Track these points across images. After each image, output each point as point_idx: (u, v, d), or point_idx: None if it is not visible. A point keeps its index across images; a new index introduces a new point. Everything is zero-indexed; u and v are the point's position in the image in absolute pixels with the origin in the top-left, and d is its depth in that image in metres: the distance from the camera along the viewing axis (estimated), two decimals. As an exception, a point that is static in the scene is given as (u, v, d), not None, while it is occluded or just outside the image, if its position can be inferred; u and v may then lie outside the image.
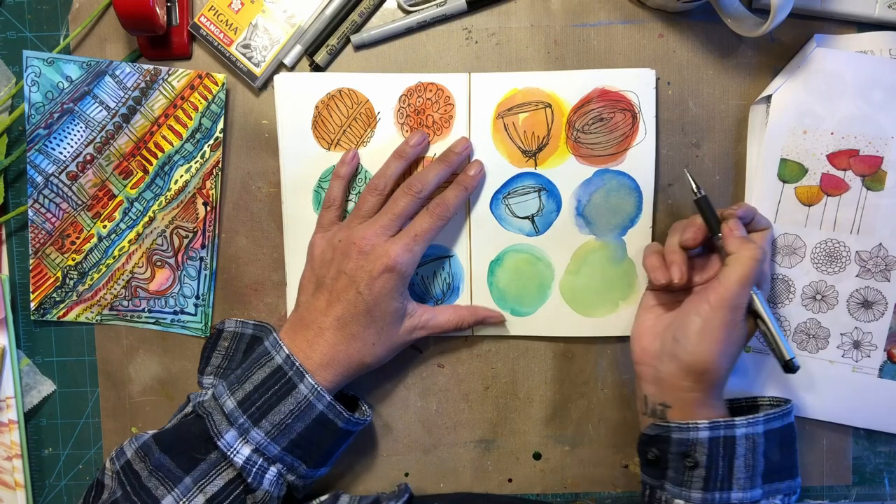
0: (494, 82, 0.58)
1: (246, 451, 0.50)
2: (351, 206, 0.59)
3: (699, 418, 0.51)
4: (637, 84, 0.57)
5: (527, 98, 0.58)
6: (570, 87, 0.58)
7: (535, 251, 0.59)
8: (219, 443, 0.50)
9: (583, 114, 0.58)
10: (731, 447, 0.50)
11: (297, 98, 0.58)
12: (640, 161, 0.58)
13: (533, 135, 0.58)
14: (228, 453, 0.50)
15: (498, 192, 0.58)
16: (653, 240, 0.58)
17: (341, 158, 0.58)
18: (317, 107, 0.58)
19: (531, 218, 0.59)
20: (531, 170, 0.58)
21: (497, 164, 0.58)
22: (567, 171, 0.58)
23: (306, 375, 0.51)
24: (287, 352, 0.52)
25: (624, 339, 0.60)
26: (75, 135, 0.59)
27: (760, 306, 0.52)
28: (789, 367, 0.52)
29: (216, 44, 0.58)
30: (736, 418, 0.51)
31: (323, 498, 0.56)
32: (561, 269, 0.59)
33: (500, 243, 0.59)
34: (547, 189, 0.58)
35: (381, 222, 0.54)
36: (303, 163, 0.59)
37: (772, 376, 0.59)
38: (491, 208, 0.59)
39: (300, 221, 0.59)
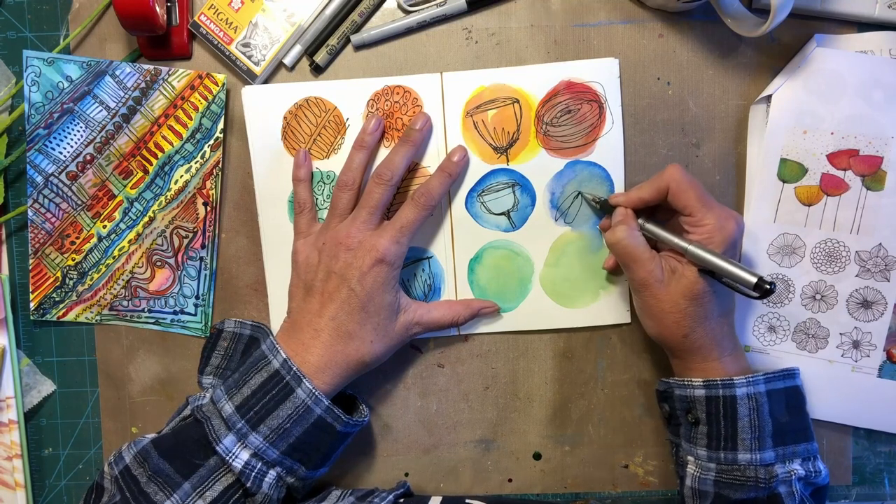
0: (461, 81, 0.58)
1: (244, 455, 0.50)
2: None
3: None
4: (602, 74, 0.58)
5: (494, 95, 0.58)
6: (536, 81, 0.58)
7: (513, 246, 0.59)
8: (217, 448, 0.50)
9: (550, 107, 0.58)
10: (732, 407, 0.51)
11: (265, 109, 0.58)
12: (609, 151, 0.58)
13: (503, 131, 0.58)
14: (227, 458, 0.50)
15: (472, 190, 0.59)
16: None
17: (294, 162, 0.58)
18: (285, 117, 0.58)
19: (507, 214, 0.59)
20: (503, 166, 0.58)
21: (470, 163, 0.58)
22: (539, 165, 0.58)
23: (304, 380, 0.51)
24: (284, 356, 0.52)
25: (622, 335, 0.60)
26: (75, 135, 0.59)
27: (707, 257, 0.50)
28: (761, 288, 0.48)
29: (216, 42, 0.58)
30: (735, 378, 0.51)
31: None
32: (540, 262, 0.59)
33: (477, 241, 0.59)
34: (520, 184, 0.59)
35: (360, 217, 0.54)
36: (276, 173, 0.59)
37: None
38: (466, 207, 0.59)
39: (277, 231, 0.59)
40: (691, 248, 0.51)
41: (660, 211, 0.56)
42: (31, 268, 0.60)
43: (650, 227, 0.54)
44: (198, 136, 0.59)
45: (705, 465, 0.53)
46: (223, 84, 0.58)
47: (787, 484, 0.50)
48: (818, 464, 0.52)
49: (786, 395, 0.52)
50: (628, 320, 0.59)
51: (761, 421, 0.51)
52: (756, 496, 0.50)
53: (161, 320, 0.61)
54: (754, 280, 0.48)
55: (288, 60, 0.59)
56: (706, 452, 0.52)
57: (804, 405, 0.53)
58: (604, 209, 0.57)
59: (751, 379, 0.51)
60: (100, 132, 0.59)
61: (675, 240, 0.52)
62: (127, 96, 0.58)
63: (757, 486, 0.50)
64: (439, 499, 0.55)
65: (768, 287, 0.48)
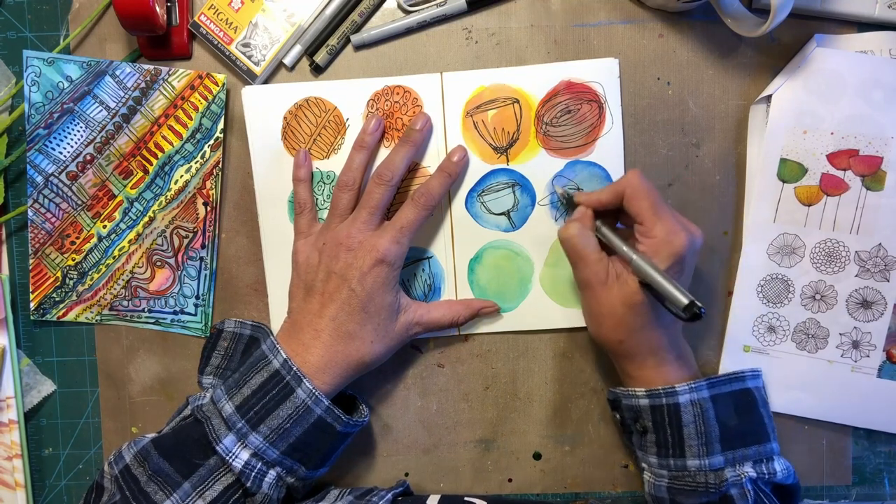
0: (461, 81, 0.58)
1: (244, 455, 0.50)
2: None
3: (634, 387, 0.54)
4: (602, 74, 0.58)
5: (494, 95, 0.58)
6: (536, 81, 0.58)
7: (513, 246, 0.59)
8: (217, 448, 0.50)
9: (550, 107, 0.58)
10: (676, 414, 0.51)
11: (265, 110, 0.58)
12: (609, 151, 0.58)
13: (503, 131, 0.58)
14: (227, 458, 0.50)
15: (472, 190, 0.59)
16: None
17: (294, 162, 0.58)
18: (285, 117, 0.58)
19: (507, 213, 0.59)
20: (503, 166, 0.58)
21: (469, 163, 0.58)
22: (539, 165, 0.58)
23: (304, 380, 0.51)
24: (284, 356, 0.52)
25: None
26: (75, 135, 0.59)
27: (646, 269, 0.50)
28: (691, 311, 0.47)
29: (216, 42, 0.58)
30: (677, 385, 0.51)
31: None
32: (540, 262, 0.59)
33: (477, 241, 0.59)
34: (520, 184, 0.59)
35: (361, 218, 0.54)
36: (276, 174, 0.59)
37: (771, 377, 0.59)
38: (466, 207, 0.59)
39: (277, 232, 0.59)
40: (635, 258, 0.51)
41: (624, 217, 0.56)
42: (31, 268, 0.60)
43: (604, 230, 0.54)
44: (198, 136, 0.59)
45: (658, 471, 0.53)
46: (223, 84, 0.58)
47: (738, 486, 0.50)
48: (773, 464, 0.51)
49: (734, 398, 0.52)
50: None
51: (707, 426, 0.51)
52: (708, 501, 0.51)
53: (161, 320, 0.61)
54: (686, 301, 0.47)
55: (288, 60, 0.59)
56: (657, 460, 0.53)
57: (757, 406, 0.53)
58: (570, 207, 0.57)
59: (694, 385, 0.52)
60: (100, 132, 0.59)
61: (623, 248, 0.52)
62: (127, 96, 0.58)
63: (708, 491, 0.51)
64: (437, 497, 0.55)
65: (697, 311, 0.47)
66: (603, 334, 0.54)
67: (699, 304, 0.47)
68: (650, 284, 0.50)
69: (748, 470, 0.51)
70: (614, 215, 0.56)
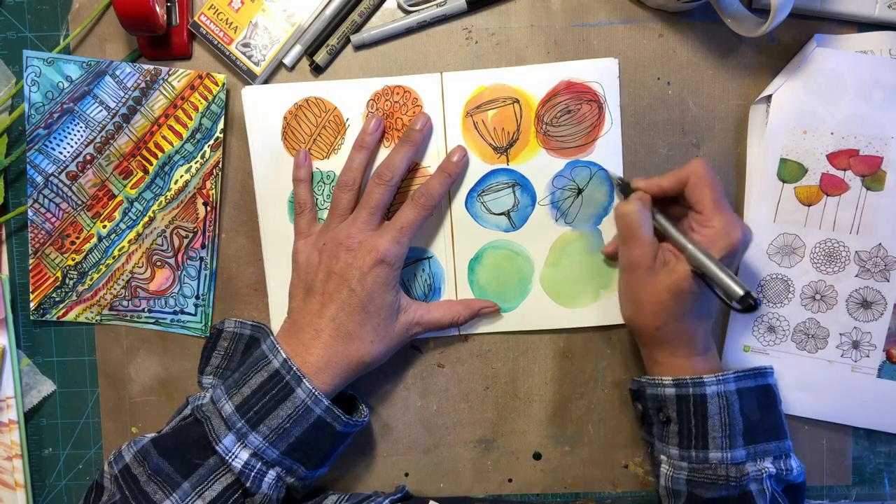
0: (461, 81, 0.58)
1: (244, 455, 0.50)
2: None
3: (661, 375, 0.54)
4: (601, 75, 0.58)
5: (494, 95, 0.58)
6: (536, 81, 0.58)
7: (514, 246, 0.59)
8: (217, 447, 0.50)
9: (550, 107, 0.58)
10: (702, 405, 0.52)
11: (265, 110, 0.58)
12: (608, 151, 0.58)
13: (503, 131, 0.58)
14: (227, 458, 0.50)
15: (472, 190, 0.59)
16: None
17: (294, 162, 0.58)
18: (285, 117, 0.58)
19: (507, 213, 0.59)
20: (503, 166, 0.58)
21: (469, 163, 0.58)
22: (539, 165, 0.58)
23: (304, 380, 0.51)
24: (284, 356, 0.52)
25: (622, 335, 0.60)
26: (75, 135, 0.59)
27: (703, 260, 0.50)
28: (746, 302, 0.48)
29: (216, 42, 0.58)
30: (704, 376, 0.52)
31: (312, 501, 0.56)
32: (540, 262, 0.59)
33: (477, 241, 0.59)
34: (520, 184, 0.59)
35: (361, 218, 0.54)
36: (276, 173, 0.59)
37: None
38: (466, 207, 0.59)
39: (277, 232, 0.59)
40: (691, 247, 0.51)
41: (674, 208, 0.56)
42: (31, 268, 0.60)
43: (659, 218, 0.54)
44: (198, 136, 0.59)
45: (677, 464, 0.53)
46: (223, 84, 0.58)
47: (758, 482, 0.50)
48: (790, 461, 0.52)
49: (757, 393, 0.53)
50: (628, 320, 0.59)
51: (732, 419, 0.51)
52: (727, 495, 0.51)
53: (161, 320, 0.61)
54: (741, 293, 0.48)
55: (288, 60, 0.59)
56: (678, 451, 0.53)
57: (777, 403, 0.54)
58: (623, 191, 0.57)
59: (721, 377, 0.52)
60: (100, 132, 0.59)
61: (679, 236, 0.53)
62: (127, 96, 0.58)
63: (728, 485, 0.51)
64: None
65: (752, 303, 0.48)
66: (641, 319, 0.54)
67: (755, 295, 0.48)
68: (703, 274, 0.50)
69: (768, 465, 0.51)
70: (665, 205, 0.56)
